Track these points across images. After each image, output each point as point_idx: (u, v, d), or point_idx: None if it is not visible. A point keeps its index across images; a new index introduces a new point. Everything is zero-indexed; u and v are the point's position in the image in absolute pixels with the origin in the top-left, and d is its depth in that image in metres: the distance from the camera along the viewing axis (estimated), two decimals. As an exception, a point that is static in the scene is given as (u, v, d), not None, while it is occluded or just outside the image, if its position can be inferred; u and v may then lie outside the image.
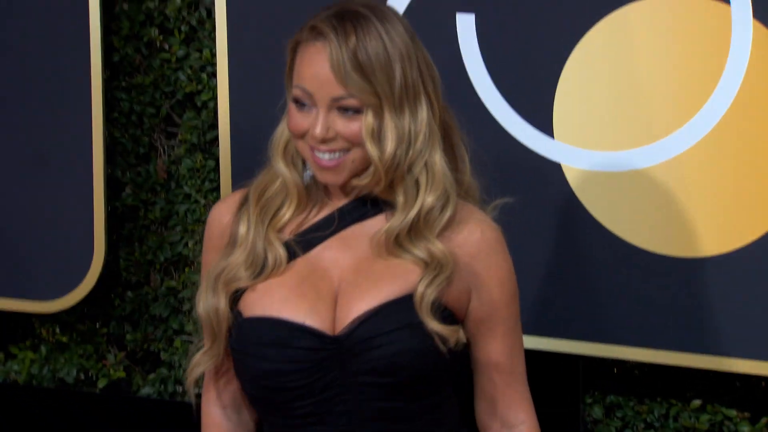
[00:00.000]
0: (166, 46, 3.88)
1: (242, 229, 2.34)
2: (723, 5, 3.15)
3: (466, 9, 3.34)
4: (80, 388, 4.14)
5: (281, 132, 2.36)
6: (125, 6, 3.88)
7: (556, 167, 3.32)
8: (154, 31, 3.87)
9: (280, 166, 2.33)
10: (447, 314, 2.29)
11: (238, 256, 2.33)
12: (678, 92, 3.22)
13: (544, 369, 3.35)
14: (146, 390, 4.05)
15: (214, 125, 3.78)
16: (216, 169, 3.80)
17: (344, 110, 2.21)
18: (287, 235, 2.33)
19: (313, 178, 2.34)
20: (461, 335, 2.30)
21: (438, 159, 2.29)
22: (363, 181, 2.26)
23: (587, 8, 3.25)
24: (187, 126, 3.86)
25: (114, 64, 3.91)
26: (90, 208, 3.80)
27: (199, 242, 3.91)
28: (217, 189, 3.78)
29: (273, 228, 2.33)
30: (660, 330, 3.31)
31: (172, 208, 3.94)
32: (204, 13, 3.80)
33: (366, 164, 2.25)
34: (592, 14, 3.26)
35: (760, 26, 3.13)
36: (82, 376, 4.13)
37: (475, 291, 2.35)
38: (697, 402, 3.51)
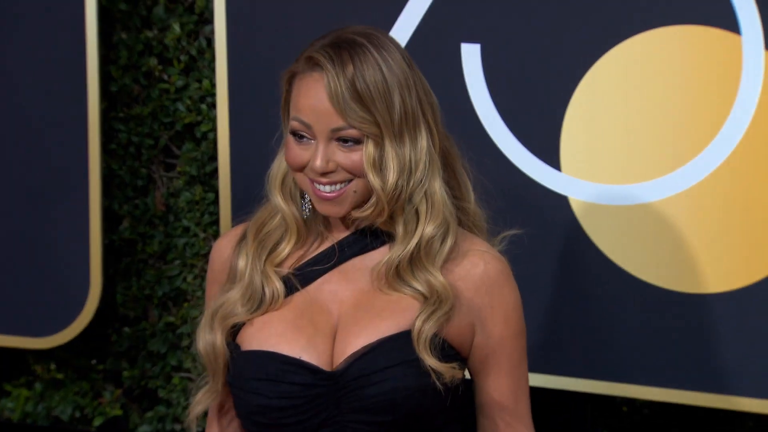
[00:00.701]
0: (165, 76, 3.88)
1: (241, 263, 2.34)
2: (734, 36, 3.15)
3: (471, 39, 3.34)
4: (76, 427, 4.13)
5: (278, 166, 2.36)
6: (123, 35, 3.89)
7: (563, 200, 3.31)
8: (153, 61, 3.88)
9: (278, 200, 2.33)
10: (448, 350, 2.28)
11: (236, 292, 2.33)
12: (687, 125, 3.21)
13: (551, 408, 3.33)
14: (143, 428, 4.05)
15: (213, 157, 3.79)
16: (216, 201, 3.81)
17: (344, 141, 2.21)
18: (286, 269, 2.33)
19: (312, 211, 2.32)
20: (458, 372, 2.27)
21: (438, 187, 2.28)
22: (365, 212, 2.25)
23: (595, 39, 3.25)
24: (186, 158, 3.86)
25: (112, 94, 3.92)
26: (86, 241, 3.79)
27: (198, 276, 3.92)
28: (217, 222, 3.79)
29: (271, 263, 2.33)
30: (670, 367, 3.29)
31: (170, 242, 3.94)
32: (204, 43, 3.81)
33: (367, 195, 2.24)
34: (601, 45, 3.25)
35: (773, 57, 3.12)
36: (78, 414, 4.14)
37: (479, 326, 2.33)
38: (708, 445, 3.49)
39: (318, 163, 2.20)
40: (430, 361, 2.22)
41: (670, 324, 3.27)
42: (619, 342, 3.32)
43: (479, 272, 2.32)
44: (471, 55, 3.34)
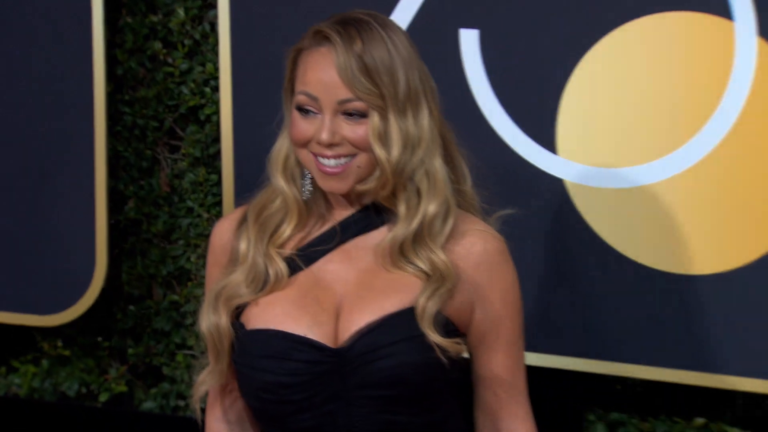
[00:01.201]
0: (170, 60, 3.88)
1: (242, 246, 2.34)
2: (726, 22, 3.15)
3: (469, 25, 3.34)
4: (82, 402, 4.14)
5: (279, 148, 2.36)
6: (129, 19, 3.89)
7: (559, 182, 3.33)
8: (158, 45, 3.88)
9: (280, 182, 2.33)
10: (450, 327, 2.29)
11: (239, 274, 2.33)
12: (681, 109, 3.22)
13: (545, 386, 3.34)
14: (148, 404, 4.05)
15: (217, 139, 3.79)
16: (219, 183, 3.81)
17: (350, 115, 2.22)
18: (289, 250, 2.33)
19: (313, 193, 2.33)
20: (462, 347, 2.30)
21: (438, 166, 2.29)
22: (369, 185, 2.26)
23: (591, 25, 3.26)
24: (190, 140, 3.86)
25: (117, 77, 3.92)
26: (92, 221, 3.81)
27: (202, 256, 3.91)
28: (220, 203, 3.79)
29: (273, 244, 2.33)
30: (663, 347, 3.31)
31: (174, 222, 3.95)
32: (207, 27, 3.81)
33: (370, 170, 2.25)
34: (596, 31, 3.26)
35: (765, 44, 3.13)
36: (84, 390, 4.13)
37: (478, 303, 2.34)
38: (700, 420, 3.51)
39: (324, 135, 2.21)
40: (434, 336, 2.24)
41: (663, 304, 3.28)
42: (612, 322, 3.34)
43: (478, 251, 2.34)
44: (469, 41, 3.34)
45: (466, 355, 2.36)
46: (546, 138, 3.33)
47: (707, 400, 3.52)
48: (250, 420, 2.49)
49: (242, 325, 2.32)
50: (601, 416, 3.61)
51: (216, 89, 3.78)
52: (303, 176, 2.34)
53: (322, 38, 2.24)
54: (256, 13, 3.55)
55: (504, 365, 2.41)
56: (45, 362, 4.16)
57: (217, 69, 3.70)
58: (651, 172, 3.27)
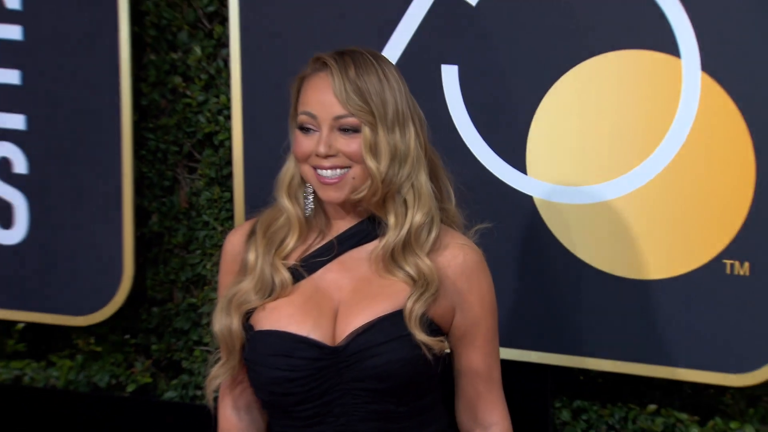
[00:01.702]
0: (188, 92, 3.88)
1: (251, 257, 2.34)
2: (675, 59, 3.16)
3: (450, 61, 3.35)
4: (111, 392, 4.13)
5: (285, 171, 2.37)
6: (152, 57, 3.89)
7: (529, 199, 3.32)
8: (178, 79, 3.88)
9: (284, 201, 2.35)
10: (433, 327, 2.30)
11: (248, 283, 2.33)
12: (636, 134, 3.22)
13: (518, 377, 3.33)
14: (170, 394, 4.05)
15: (229, 162, 3.78)
16: (231, 200, 3.80)
17: (345, 130, 2.23)
18: (292, 261, 2.33)
19: (314, 210, 2.33)
20: (445, 345, 2.31)
21: (424, 181, 2.31)
22: (361, 193, 2.27)
23: (556, 61, 3.26)
24: (206, 162, 3.86)
25: (142, 107, 3.92)
26: (120, 234, 3.80)
27: (216, 264, 3.91)
28: (232, 218, 3.79)
29: (279, 256, 2.34)
30: (621, 343, 3.31)
31: (192, 234, 3.94)
32: (221, 64, 3.81)
33: (363, 181, 2.26)
34: (561, 66, 3.26)
35: (707, 77, 3.13)
36: (113, 382, 4.13)
37: (458, 307, 2.35)
38: (652, 407, 3.50)
39: (322, 147, 2.23)
40: (420, 336, 2.25)
41: (622, 306, 3.28)
42: (577, 321, 3.33)
43: (459, 262, 2.34)
44: (450, 75, 3.35)
45: (448, 350, 2.35)
46: (517, 160, 3.33)
47: (659, 389, 3.51)
48: (257, 408, 2.48)
49: (251, 327, 2.32)
50: (566, 404, 3.60)
51: (228, 118, 3.77)
52: (305, 196, 2.34)
53: (321, 64, 2.27)
54: (263, 51, 3.55)
55: (482, 361, 2.41)
56: (79, 357, 4.16)
57: (229, 100, 3.70)
58: (610, 190, 3.27)
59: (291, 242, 2.34)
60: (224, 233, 3.87)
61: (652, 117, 3.20)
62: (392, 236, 2.29)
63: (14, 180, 3.88)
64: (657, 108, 3.19)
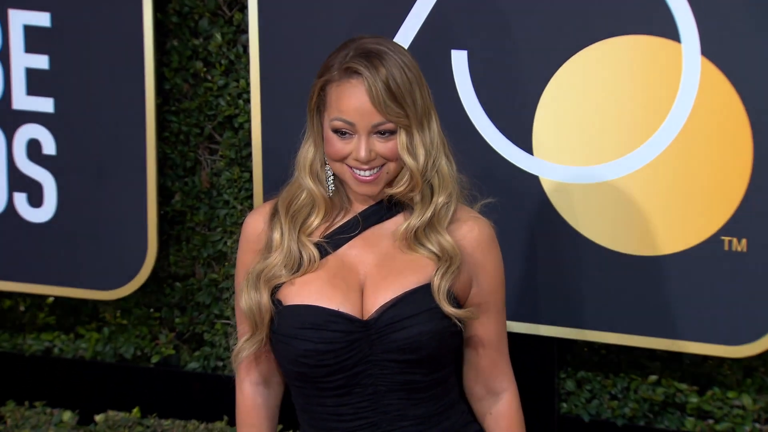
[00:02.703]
0: (209, 77, 3.88)
1: (276, 235, 2.34)
2: (675, 44, 3.16)
3: (459, 47, 3.35)
4: (137, 363, 4.15)
5: (305, 154, 2.37)
6: (175, 43, 3.89)
7: (535, 179, 3.33)
8: (199, 64, 3.88)
9: (308, 182, 2.35)
10: (454, 300, 2.30)
11: (276, 258, 2.33)
12: (638, 116, 3.22)
13: (525, 349, 3.35)
14: (192, 365, 4.06)
15: (248, 143, 3.79)
16: (250, 180, 3.81)
17: (381, 133, 2.23)
18: (317, 237, 2.34)
19: (335, 189, 2.34)
20: (474, 313, 2.33)
21: (445, 164, 2.33)
22: (400, 189, 2.28)
23: (562, 46, 3.27)
24: (227, 144, 3.87)
25: (165, 91, 3.93)
26: (144, 212, 3.82)
27: (237, 241, 3.91)
28: (251, 197, 3.80)
29: (304, 233, 2.34)
30: (623, 317, 3.32)
31: (213, 213, 3.95)
32: (240, 50, 3.81)
33: (395, 175, 2.26)
34: (566, 51, 3.27)
35: (707, 61, 3.13)
36: (139, 353, 4.15)
37: (474, 279, 2.37)
38: (653, 377, 3.51)
39: (363, 154, 2.23)
40: (448, 308, 2.28)
41: (625, 281, 3.29)
42: (582, 296, 3.35)
43: (475, 236, 2.36)
44: (459, 60, 3.35)
45: (477, 317, 2.36)
46: (524, 141, 3.33)
47: (660, 360, 3.52)
48: (275, 382, 2.50)
49: (280, 302, 2.32)
50: (571, 374, 3.61)
51: (248, 101, 3.78)
52: (327, 177, 2.35)
53: (351, 72, 2.24)
54: (281, 36, 3.56)
55: (493, 330, 2.43)
56: (106, 330, 4.17)
57: (248, 84, 3.70)
58: (613, 170, 3.27)
59: (316, 220, 2.35)
60: (244, 212, 3.88)
61: (654, 100, 3.20)
62: (417, 217, 2.30)
63: (43, 161, 3.90)
64: (658, 91, 3.19)
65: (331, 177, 2.35)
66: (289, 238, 2.33)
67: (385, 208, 2.36)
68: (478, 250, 2.37)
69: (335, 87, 2.25)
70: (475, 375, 2.48)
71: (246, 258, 2.43)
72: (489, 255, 2.38)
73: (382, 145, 2.24)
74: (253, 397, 2.49)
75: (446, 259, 2.30)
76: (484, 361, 2.45)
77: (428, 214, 2.30)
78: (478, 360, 2.46)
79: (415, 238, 2.31)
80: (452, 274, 2.30)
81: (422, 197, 2.31)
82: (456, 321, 2.29)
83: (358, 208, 2.37)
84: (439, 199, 2.31)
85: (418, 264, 2.32)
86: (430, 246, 2.31)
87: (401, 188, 2.28)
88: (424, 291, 2.29)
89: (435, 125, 2.30)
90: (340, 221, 2.37)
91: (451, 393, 2.41)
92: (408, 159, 2.24)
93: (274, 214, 2.38)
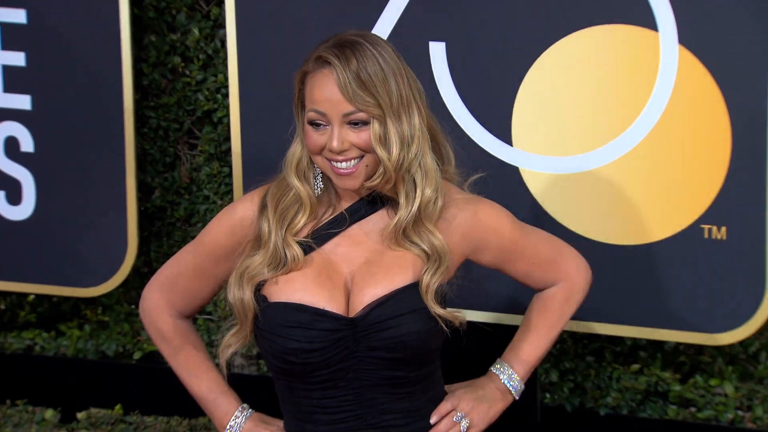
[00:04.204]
0: (187, 72, 3.88)
1: (265, 228, 2.32)
2: (653, 32, 3.15)
3: (437, 38, 3.34)
4: (119, 360, 4.14)
5: (293, 152, 2.35)
6: (152, 38, 3.89)
7: (515, 170, 3.32)
8: (177, 59, 3.88)
9: (294, 181, 2.33)
10: (443, 297, 2.31)
11: (260, 257, 2.32)
12: (616, 106, 3.22)
13: (508, 341, 3.34)
14: (174, 361, 4.05)
15: (228, 138, 3.79)
16: (230, 175, 3.80)
17: (354, 124, 2.22)
18: (303, 235, 2.33)
19: (323, 187, 2.33)
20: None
21: (429, 158, 2.30)
22: (375, 182, 2.26)
23: (539, 36, 3.26)
24: (206, 139, 3.87)
25: (143, 87, 3.92)
26: (124, 208, 3.80)
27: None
28: (231, 192, 3.80)
29: (290, 231, 2.32)
30: (604, 307, 3.31)
31: (194, 208, 3.95)
32: (219, 44, 3.81)
33: (375, 168, 2.25)
34: (544, 41, 3.26)
35: (684, 50, 3.13)
36: (121, 350, 4.14)
37: (480, 252, 2.40)
38: (635, 366, 3.52)
39: (335, 143, 2.21)
40: (437, 309, 2.26)
41: (605, 271, 3.26)
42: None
43: (460, 221, 2.35)
44: (437, 52, 3.34)
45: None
46: (503, 132, 3.33)
47: (642, 349, 3.53)
48: (190, 313, 2.51)
49: (265, 298, 2.31)
50: (555, 364, 3.61)
51: (226, 96, 3.78)
52: (314, 176, 2.34)
53: (323, 62, 2.23)
54: (258, 31, 3.54)
55: (533, 260, 2.47)
56: (88, 327, 4.17)
57: (227, 79, 3.69)
58: (592, 159, 3.27)
59: (302, 219, 2.33)
60: (224, 206, 3.86)
61: (632, 89, 3.20)
62: (404, 214, 2.28)
63: (21, 158, 3.88)
64: (636, 80, 3.19)
65: (320, 175, 2.34)
66: (275, 235, 2.32)
67: (371, 204, 2.35)
68: (469, 230, 2.36)
69: (310, 78, 2.25)
70: (536, 286, 2.54)
71: (221, 239, 2.40)
72: (481, 226, 2.37)
73: (355, 136, 2.22)
74: (180, 322, 2.50)
75: (435, 258, 2.29)
76: (547, 279, 2.50)
77: (414, 209, 2.28)
78: (540, 282, 2.51)
79: (403, 235, 2.30)
80: (441, 274, 2.29)
81: (406, 193, 2.30)
82: (441, 324, 2.28)
83: (346, 204, 2.35)
84: (425, 194, 2.30)
85: (407, 261, 2.30)
86: (419, 243, 2.30)
87: (376, 181, 2.26)
88: (411, 290, 2.28)
89: (416, 119, 2.27)
90: (328, 217, 2.36)
91: (436, 386, 2.40)
92: (379, 150, 2.22)
93: (264, 206, 2.37)
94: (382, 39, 2.30)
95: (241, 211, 2.39)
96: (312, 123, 2.25)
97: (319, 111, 2.23)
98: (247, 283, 2.32)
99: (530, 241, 2.45)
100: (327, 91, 2.22)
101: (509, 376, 2.48)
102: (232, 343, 2.38)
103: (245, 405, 2.48)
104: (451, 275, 2.37)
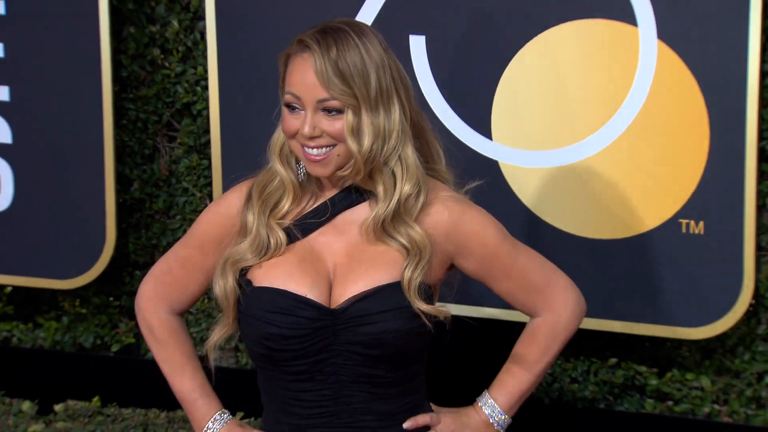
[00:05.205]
0: (167, 64, 3.86)
1: (249, 218, 2.31)
2: (632, 27, 3.16)
3: (417, 32, 3.34)
4: (97, 352, 4.13)
5: (276, 137, 2.33)
6: (132, 30, 3.87)
7: (494, 164, 3.32)
8: (156, 51, 3.86)
9: (277, 166, 2.31)
10: (427, 292, 2.27)
11: (245, 244, 2.30)
12: (595, 101, 3.22)
13: (485, 336, 3.34)
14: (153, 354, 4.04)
15: (207, 130, 3.77)
16: (209, 167, 3.79)
17: (328, 111, 2.20)
18: (287, 222, 2.31)
19: (306, 174, 2.32)
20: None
21: (410, 153, 2.27)
22: (345, 172, 2.24)
23: (519, 30, 3.26)
24: (185, 131, 3.85)
25: (122, 78, 3.90)
26: (103, 201, 3.79)
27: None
28: (210, 184, 3.78)
29: (274, 217, 2.31)
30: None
31: (172, 201, 3.94)
32: (198, 36, 3.79)
33: (348, 159, 2.23)
34: (523, 35, 3.27)
35: (664, 45, 3.14)
36: (98, 342, 4.13)
37: (462, 258, 2.32)
38: (613, 360, 3.52)
39: (306, 129, 2.19)
40: (420, 305, 2.22)
41: (583, 265, 3.29)
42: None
43: (445, 219, 2.30)
44: (417, 45, 3.34)
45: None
46: (483, 126, 3.33)
47: (619, 343, 3.53)
48: (182, 310, 2.49)
49: (249, 282, 2.29)
50: (532, 358, 3.61)
51: (206, 88, 3.76)
52: (297, 162, 2.32)
53: (304, 46, 2.22)
54: (238, 22, 3.54)
55: (519, 282, 2.37)
56: (65, 319, 4.15)
57: (206, 71, 3.68)
58: (571, 154, 3.28)
59: (286, 205, 2.31)
60: (203, 199, 3.87)
61: (611, 84, 3.20)
62: (382, 208, 2.26)
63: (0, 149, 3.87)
64: (615, 76, 3.20)
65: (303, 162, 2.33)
66: (258, 221, 2.31)
67: (354, 196, 2.33)
68: (452, 231, 2.31)
69: (291, 61, 2.24)
70: (524, 310, 2.44)
71: (210, 228, 2.39)
72: (466, 230, 2.31)
73: (328, 123, 2.21)
74: (170, 318, 2.48)
75: (416, 252, 2.25)
76: (532, 305, 2.40)
77: (392, 203, 2.26)
78: (526, 307, 2.40)
79: (383, 229, 2.28)
80: (422, 269, 2.26)
81: (385, 187, 2.27)
82: (425, 321, 2.26)
83: (329, 193, 2.33)
84: (404, 188, 2.27)
85: (389, 257, 2.28)
86: (399, 238, 2.27)
87: (346, 171, 2.25)
88: (395, 288, 2.25)
89: (396, 113, 2.25)
90: (311, 206, 2.34)
91: (417, 394, 2.37)
92: (350, 140, 2.20)
93: (250, 196, 2.36)
94: (371, 30, 2.27)
95: (229, 201, 2.38)
96: (288, 105, 2.23)
97: (294, 94, 2.21)
98: (230, 269, 2.31)
99: (518, 261, 2.36)
100: (304, 75, 2.20)
101: (492, 408, 2.40)
102: (216, 333, 2.38)
103: (225, 410, 2.45)
104: (440, 275, 2.33)
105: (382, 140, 2.23)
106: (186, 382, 2.47)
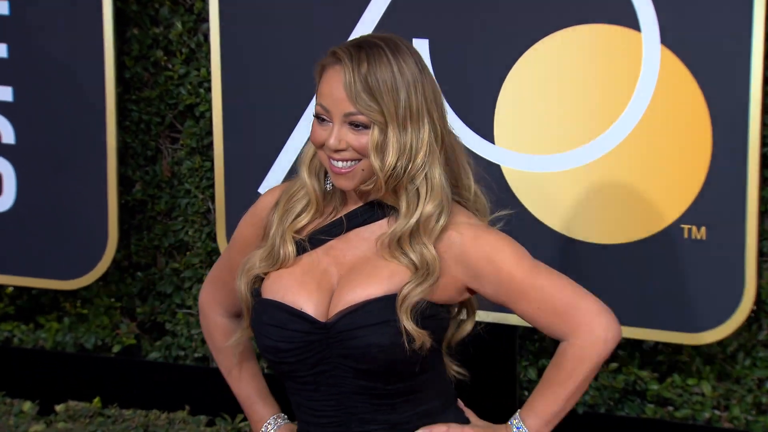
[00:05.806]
0: (170, 66, 3.86)
1: (272, 223, 2.32)
2: (635, 33, 3.15)
3: (421, 35, 3.33)
4: (98, 353, 4.13)
5: (308, 148, 2.32)
6: (135, 31, 3.87)
7: (497, 168, 3.31)
8: (160, 53, 3.86)
9: (304, 176, 2.30)
10: (434, 309, 2.23)
11: (259, 252, 2.30)
12: (598, 105, 3.22)
13: (488, 339, 3.34)
14: (153, 354, 4.05)
15: (210, 132, 3.77)
16: (212, 169, 3.79)
17: (355, 126, 2.18)
18: (304, 234, 2.30)
19: (333, 188, 2.31)
20: (426, 339, 2.21)
21: (437, 173, 2.23)
22: (368, 186, 2.22)
23: (522, 35, 3.26)
24: (188, 133, 3.85)
25: (126, 80, 3.90)
26: (105, 202, 3.79)
27: (198, 230, 3.91)
28: (212, 186, 3.78)
29: (291, 228, 2.30)
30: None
31: (175, 202, 3.94)
32: (201, 38, 3.80)
33: (372, 173, 2.21)
34: (527, 40, 3.26)
35: (667, 50, 3.13)
36: (100, 343, 4.13)
37: (478, 282, 2.24)
38: (614, 365, 3.52)
39: (332, 141, 2.18)
40: (407, 323, 2.17)
41: (585, 269, 3.29)
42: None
43: (457, 244, 2.24)
44: (421, 49, 3.33)
45: (428, 346, 2.27)
46: (485, 131, 3.32)
47: (621, 348, 3.53)
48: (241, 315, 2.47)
49: (259, 293, 2.30)
50: (533, 362, 3.61)
51: (209, 90, 3.76)
52: (326, 174, 2.32)
53: (337, 58, 2.21)
54: (241, 25, 3.53)
55: (539, 305, 2.27)
56: (67, 320, 4.15)
57: (209, 73, 3.68)
58: (573, 158, 3.27)
59: (306, 217, 2.30)
60: (205, 201, 3.87)
61: (614, 89, 3.20)
62: (402, 224, 2.23)
63: (3, 150, 3.86)
64: (618, 80, 3.19)
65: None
66: (275, 231, 2.31)
67: (373, 211, 2.31)
68: (465, 256, 2.24)
69: (324, 72, 2.24)
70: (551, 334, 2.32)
71: (244, 231, 2.40)
72: (479, 254, 2.23)
73: (354, 137, 2.19)
74: (227, 321, 2.50)
75: (423, 271, 2.23)
76: (558, 331, 2.27)
77: (413, 221, 2.23)
78: (552, 332, 2.28)
79: (398, 245, 2.26)
80: (424, 290, 2.23)
81: (408, 204, 2.25)
82: (405, 340, 2.22)
83: (351, 207, 2.32)
84: (426, 208, 2.23)
85: (393, 272, 2.25)
86: (411, 255, 2.25)
87: (369, 186, 2.24)
88: (386, 301, 2.21)
89: (425, 133, 2.22)
90: (329, 220, 2.33)
91: (433, 401, 2.32)
92: (373, 156, 2.19)
93: (278, 202, 2.36)
94: (408, 48, 2.24)
95: (263, 203, 2.39)
96: (317, 116, 2.23)
97: (323, 106, 2.20)
98: (244, 276, 2.31)
99: (537, 284, 2.26)
100: (333, 87, 2.19)
101: (519, 429, 2.33)
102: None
103: (280, 414, 2.48)
104: (452, 296, 2.29)
105: (408, 158, 2.20)
106: (242, 386, 2.52)
